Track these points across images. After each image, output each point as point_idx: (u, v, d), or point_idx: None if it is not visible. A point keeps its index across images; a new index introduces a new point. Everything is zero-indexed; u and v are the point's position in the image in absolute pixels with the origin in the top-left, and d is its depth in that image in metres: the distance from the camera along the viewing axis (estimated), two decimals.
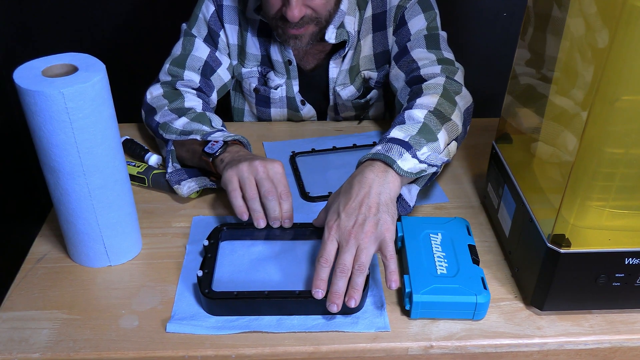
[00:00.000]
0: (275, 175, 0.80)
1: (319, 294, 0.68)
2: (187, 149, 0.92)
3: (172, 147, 0.92)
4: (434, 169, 0.78)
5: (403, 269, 0.76)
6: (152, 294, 0.73)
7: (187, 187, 0.87)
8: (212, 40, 1.07)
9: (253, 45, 1.09)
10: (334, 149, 1.02)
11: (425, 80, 0.94)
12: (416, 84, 0.95)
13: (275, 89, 1.12)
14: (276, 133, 1.10)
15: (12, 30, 1.52)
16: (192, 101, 0.99)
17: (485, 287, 0.69)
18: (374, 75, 1.11)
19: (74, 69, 0.67)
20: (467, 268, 0.72)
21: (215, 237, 0.77)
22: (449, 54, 1.00)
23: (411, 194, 0.81)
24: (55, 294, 0.73)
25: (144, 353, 0.66)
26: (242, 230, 0.80)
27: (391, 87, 1.06)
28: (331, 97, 1.13)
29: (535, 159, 0.73)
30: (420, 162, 0.77)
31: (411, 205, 0.81)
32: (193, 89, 1.03)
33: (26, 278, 0.75)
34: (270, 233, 0.81)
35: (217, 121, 0.96)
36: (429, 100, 0.87)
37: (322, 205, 0.85)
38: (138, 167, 0.93)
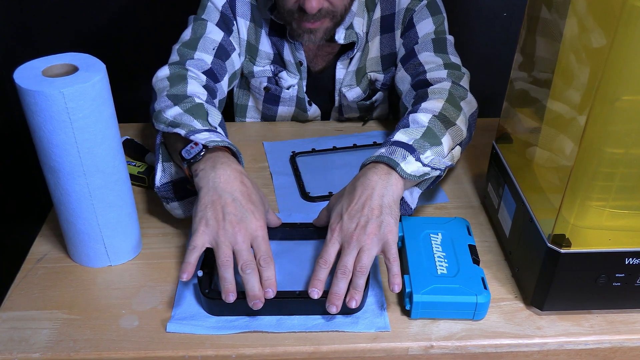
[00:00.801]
0: (255, 240, 0.70)
1: (314, 293, 0.68)
2: (172, 145, 0.82)
3: (160, 140, 0.83)
4: (437, 173, 0.78)
5: (403, 269, 0.76)
6: (152, 294, 0.73)
7: (172, 210, 0.82)
8: (225, 25, 1.03)
9: (266, 43, 1.07)
10: (334, 149, 1.02)
11: (431, 85, 0.93)
12: (422, 87, 0.95)
13: (288, 89, 1.11)
14: (277, 133, 1.10)
15: (12, 30, 1.52)
16: (195, 88, 0.90)
17: (485, 287, 0.69)
18: (380, 77, 1.11)
19: (74, 69, 0.67)
20: (467, 268, 0.72)
21: None
22: (456, 59, 1.00)
23: (413, 197, 0.81)
24: (55, 294, 0.73)
25: (144, 353, 0.66)
26: None
27: (396, 90, 1.06)
28: (336, 98, 1.13)
29: (536, 159, 0.73)
30: (424, 165, 0.76)
31: (412, 208, 0.81)
32: (203, 71, 0.96)
33: (26, 278, 0.75)
34: (270, 233, 0.80)
35: (215, 117, 0.85)
36: (434, 104, 0.86)
37: (322, 205, 0.85)
38: (138, 167, 0.93)
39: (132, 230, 0.78)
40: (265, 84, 1.11)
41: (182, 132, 0.77)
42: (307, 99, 1.12)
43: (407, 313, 0.70)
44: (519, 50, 0.77)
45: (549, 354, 0.69)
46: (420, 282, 0.69)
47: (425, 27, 1.03)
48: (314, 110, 1.14)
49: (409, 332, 0.68)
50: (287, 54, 1.07)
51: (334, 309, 0.67)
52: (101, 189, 0.71)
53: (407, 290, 0.69)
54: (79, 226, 0.73)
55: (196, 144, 0.76)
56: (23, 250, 0.80)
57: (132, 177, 0.90)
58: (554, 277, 0.67)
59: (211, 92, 0.94)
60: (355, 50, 1.06)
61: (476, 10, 1.59)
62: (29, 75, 0.65)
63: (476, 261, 0.73)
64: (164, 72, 0.93)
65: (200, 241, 0.69)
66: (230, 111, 1.22)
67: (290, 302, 0.69)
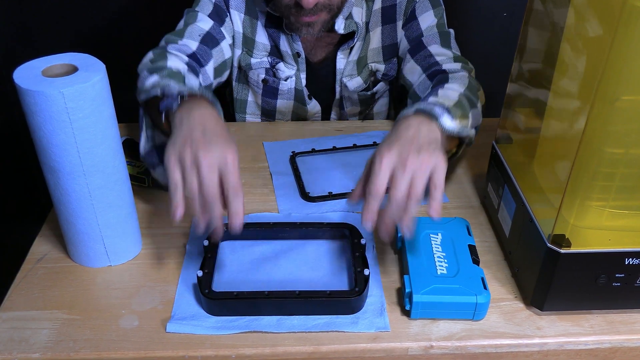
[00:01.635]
0: (223, 168, 0.66)
1: (368, 225, 0.66)
2: (153, 113, 0.80)
3: (143, 111, 0.82)
4: (472, 132, 0.78)
5: (403, 269, 0.76)
6: (152, 294, 0.73)
7: (159, 177, 0.81)
8: (217, 16, 1.03)
9: (263, 35, 1.07)
10: (334, 149, 1.02)
11: (450, 74, 0.95)
12: (439, 75, 0.96)
13: (285, 80, 1.10)
14: (276, 133, 1.10)
15: (12, 30, 1.52)
16: (175, 62, 0.89)
17: (485, 287, 0.69)
18: (381, 67, 1.11)
19: (74, 69, 0.67)
20: (467, 268, 0.72)
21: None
22: (458, 52, 1.03)
23: None
24: (55, 294, 0.73)
25: (144, 353, 0.66)
26: (243, 229, 0.80)
27: (403, 81, 1.06)
28: (337, 89, 1.13)
29: (536, 159, 0.73)
30: (458, 127, 0.76)
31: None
32: (186, 54, 0.96)
33: (26, 278, 0.75)
34: (270, 233, 0.81)
35: (192, 81, 0.83)
36: (457, 87, 0.87)
37: (322, 205, 0.86)
38: (138, 167, 0.93)
39: (132, 230, 0.78)
40: (263, 76, 1.11)
41: (158, 90, 0.76)
42: (307, 92, 1.12)
43: (407, 313, 0.70)
44: (519, 50, 0.77)
45: (549, 354, 0.69)
46: (420, 282, 0.69)
47: (427, 19, 1.04)
48: (313, 104, 1.14)
49: (409, 332, 0.68)
50: (284, 45, 1.07)
51: (382, 234, 0.66)
52: (101, 189, 0.71)
53: (407, 290, 0.69)
54: (78, 226, 0.73)
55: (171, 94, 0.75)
56: (23, 250, 0.80)
57: (132, 177, 0.90)
58: (554, 277, 0.67)
59: (193, 71, 0.92)
60: (356, 39, 1.06)
61: (476, 10, 1.59)
62: (29, 75, 0.65)
63: (476, 261, 0.73)
64: (147, 57, 0.94)
65: (175, 172, 0.65)
66: (230, 109, 1.22)
67: (290, 302, 0.69)
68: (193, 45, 0.99)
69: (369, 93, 1.15)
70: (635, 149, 0.60)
